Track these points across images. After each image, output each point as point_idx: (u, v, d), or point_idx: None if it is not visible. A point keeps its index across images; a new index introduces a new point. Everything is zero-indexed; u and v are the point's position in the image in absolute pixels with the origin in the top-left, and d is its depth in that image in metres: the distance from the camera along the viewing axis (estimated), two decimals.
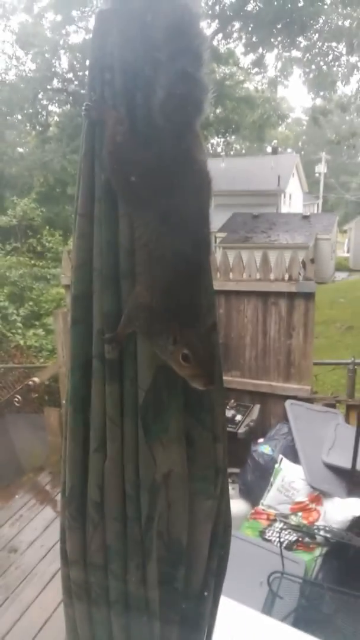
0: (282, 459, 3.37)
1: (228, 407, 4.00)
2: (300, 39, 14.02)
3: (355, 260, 24.25)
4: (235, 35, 15.05)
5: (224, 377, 1.39)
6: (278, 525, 2.98)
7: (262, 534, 2.99)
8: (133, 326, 1.03)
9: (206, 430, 1.16)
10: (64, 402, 1.50)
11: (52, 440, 4.72)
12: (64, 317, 4.56)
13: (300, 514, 3.03)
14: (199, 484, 1.16)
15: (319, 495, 3.07)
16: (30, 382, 5.21)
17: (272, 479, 3.29)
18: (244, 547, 2.65)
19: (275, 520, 3.05)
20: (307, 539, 2.84)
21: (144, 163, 0.95)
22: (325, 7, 13.22)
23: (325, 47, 14.28)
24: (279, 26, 13.43)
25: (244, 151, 35.30)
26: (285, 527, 2.91)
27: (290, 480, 3.18)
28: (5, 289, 10.63)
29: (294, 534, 2.87)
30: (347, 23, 13.45)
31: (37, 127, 19.78)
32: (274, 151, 29.17)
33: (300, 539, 2.85)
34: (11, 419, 5.48)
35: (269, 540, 2.90)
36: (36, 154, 19.11)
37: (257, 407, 4.13)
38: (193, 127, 0.99)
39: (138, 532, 1.11)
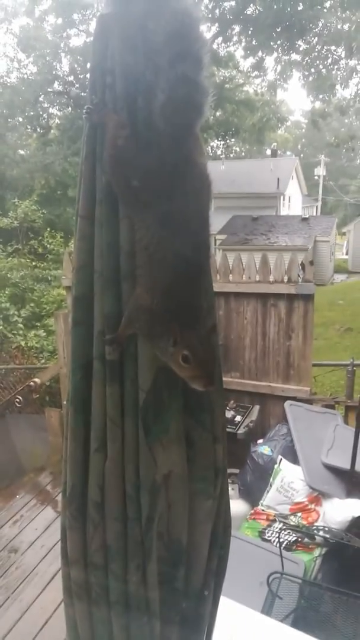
0: (281, 459, 3.37)
1: (228, 408, 4.01)
2: (300, 42, 14.02)
3: (354, 262, 24.26)
4: (235, 38, 15.05)
5: (224, 378, 1.39)
6: (277, 525, 2.99)
7: (261, 534, 2.99)
8: (133, 328, 1.03)
9: (206, 431, 1.16)
10: (64, 402, 1.50)
11: (53, 441, 4.74)
12: (65, 319, 4.57)
13: (299, 514, 3.03)
14: (198, 485, 1.16)
15: (318, 496, 3.07)
16: (32, 383, 5.23)
17: (271, 479, 3.29)
18: (243, 548, 2.66)
19: (274, 520, 3.06)
20: (306, 540, 2.85)
21: (144, 166, 0.96)
22: (325, 10, 13.22)
23: (324, 50, 14.28)
24: (278, 30, 13.43)
25: (243, 154, 35.35)
26: (284, 527, 2.92)
27: (289, 481, 3.18)
28: (7, 290, 10.62)
29: (294, 535, 2.87)
30: (346, 27, 13.44)
31: (38, 129, 19.90)
32: (274, 154, 29.29)
33: (299, 539, 2.86)
34: (12, 419, 5.50)
35: (269, 541, 2.91)
36: (37, 157, 19.10)
37: (256, 408, 4.14)
38: (193, 130, 0.99)
39: (138, 533, 1.11)
